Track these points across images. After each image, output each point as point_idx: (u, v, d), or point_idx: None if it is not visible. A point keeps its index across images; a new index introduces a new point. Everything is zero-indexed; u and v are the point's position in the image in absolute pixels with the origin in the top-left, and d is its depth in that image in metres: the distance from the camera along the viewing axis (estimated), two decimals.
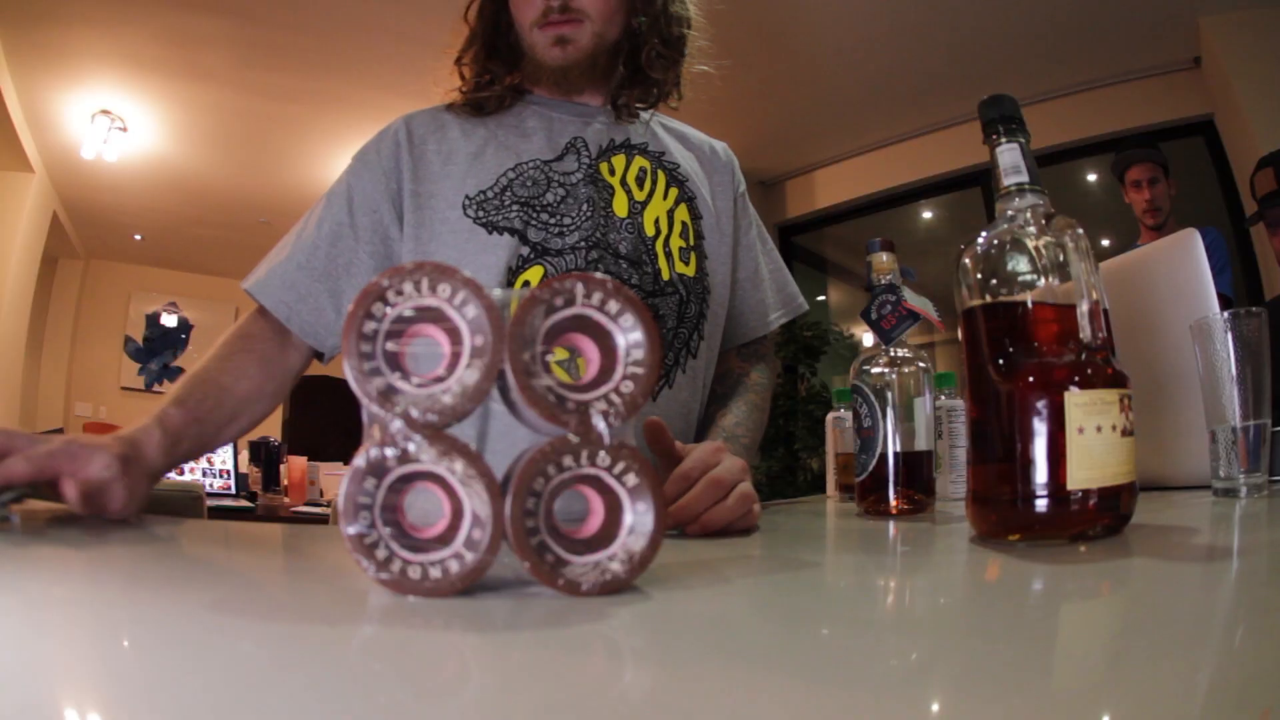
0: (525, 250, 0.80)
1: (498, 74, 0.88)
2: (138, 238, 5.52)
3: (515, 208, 0.81)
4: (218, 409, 0.77)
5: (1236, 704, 0.20)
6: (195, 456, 0.75)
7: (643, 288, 0.83)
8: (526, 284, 0.81)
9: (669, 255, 0.85)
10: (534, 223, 0.81)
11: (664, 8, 0.88)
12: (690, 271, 0.86)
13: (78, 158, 4.08)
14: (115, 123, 3.88)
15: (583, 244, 0.81)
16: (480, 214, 0.81)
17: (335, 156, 4.30)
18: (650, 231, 0.85)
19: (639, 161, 0.88)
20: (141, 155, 4.23)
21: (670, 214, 0.87)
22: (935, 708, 0.21)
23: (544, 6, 0.81)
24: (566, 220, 0.82)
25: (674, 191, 0.88)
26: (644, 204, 0.86)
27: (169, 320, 6.13)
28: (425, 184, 0.83)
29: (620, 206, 0.84)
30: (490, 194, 0.82)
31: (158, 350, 6.08)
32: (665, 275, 0.84)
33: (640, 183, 0.87)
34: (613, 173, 0.86)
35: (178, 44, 3.31)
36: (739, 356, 0.97)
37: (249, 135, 4.06)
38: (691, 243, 0.87)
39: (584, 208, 0.82)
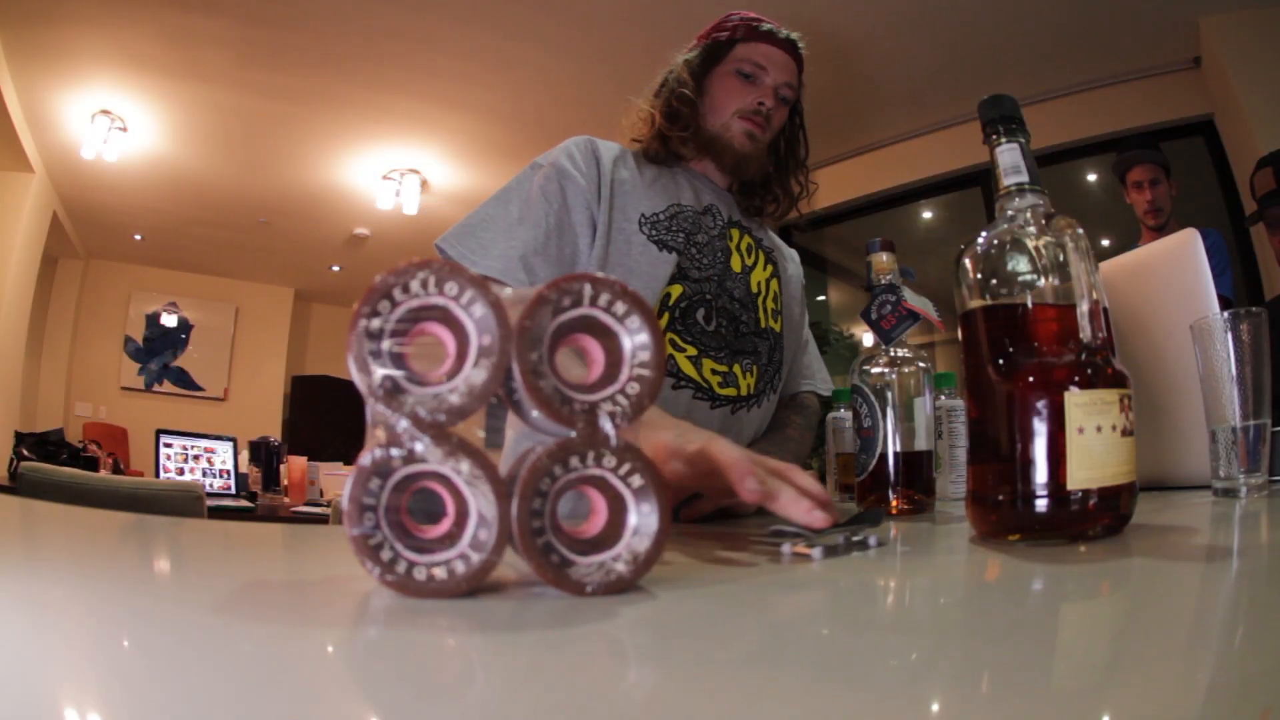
0: (677, 271, 0.96)
1: (670, 139, 1.04)
2: (138, 238, 5.52)
3: (681, 235, 0.98)
4: None
5: (1236, 704, 0.20)
6: None
7: (748, 325, 1.02)
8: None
9: (765, 310, 1.06)
10: (688, 252, 0.98)
11: (799, 149, 1.13)
12: (778, 327, 1.08)
13: (78, 158, 4.08)
14: (115, 123, 3.88)
15: (713, 278, 0.99)
16: (653, 232, 0.96)
17: (335, 156, 4.31)
18: (754, 289, 1.05)
19: (747, 239, 1.08)
20: (141, 155, 4.23)
21: (766, 283, 1.08)
22: (935, 708, 0.21)
23: (756, 107, 1.02)
24: (705, 260, 1.00)
25: (770, 269, 1.10)
26: (750, 269, 1.06)
27: (169, 320, 6.13)
28: (619, 198, 0.97)
29: (735, 264, 1.04)
30: (661, 217, 0.98)
31: (158, 350, 6.08)
32: (763, 324, 1.05)
33: (748, 253, 1.07)
34: (730, 239, 1.05)
35: (178, 44, 3.30)
36: (786, 408, 1.17)
37: (249, 135, 4.06)
38: (778, 306, 1.09)
39: (718, 254, 1.02)
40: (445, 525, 0.31)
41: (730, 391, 0.99)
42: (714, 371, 0.97)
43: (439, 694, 0.21)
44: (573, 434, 0.32)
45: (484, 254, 0.89)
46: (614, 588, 0.32)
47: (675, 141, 1.04)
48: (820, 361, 1.25)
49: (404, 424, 0.30)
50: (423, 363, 0.31)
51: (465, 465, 0.30)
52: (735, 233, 1.07)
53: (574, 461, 0.32)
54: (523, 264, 0.89)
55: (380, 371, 0.30)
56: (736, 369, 0.99)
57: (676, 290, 0.96)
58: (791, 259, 1.20)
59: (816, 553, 0.44)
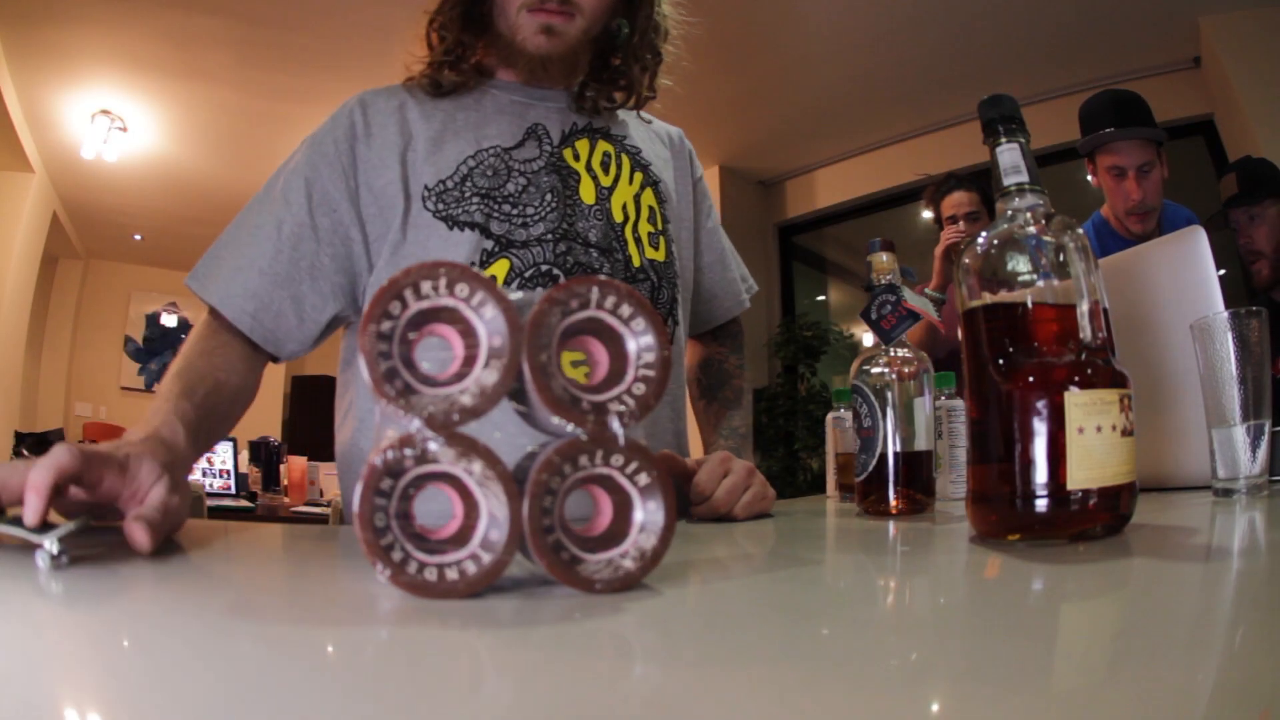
0: (489, 244, 0.78)
1: (470, 46, 0.84)
2: (138, 238, 5.51)
3: (475, 200, 0.78)
4: (220, 402, 0.72)
5: (1236, 704, 0.20)
6: (204, 452, 0.71)
7: (615, 274, 0.81)
8: (492, 278, 0.77)
9: (639, 241, 0.84)
10: (496, 215, 0.78)
11: (648, 15, 0.87)
12: (661, 256, 0.85)
13: (78, 158, 4.07)
14: (115, 123, 3.88)
15: (550, 235, 0.79)
16: (440, 207, 0.78)
17: None
18: (619, 217, 0.83)
19: (603, 146, 0.86)
20: (141, 155, 4.22)
21: (637, 199, 0.85)
22: (935, 708, 0.21)
23: None
24: (530, 210, 0.79)
25: (639, 176, 0.87)
26: (610, 189, 0.84)
27: (169, 320, 6.12)
28: (382, 174, 0.79)
29: (587, 193, 0.82)
30: (450, 184, 0.79)
31: (158, 350, 6.07)
32: (636, 262, 0.83)
33: (605, 168, 0.85)
34: (577, 158, 0.83)
35: (178, 44, 3.30)
36: (716, 340, 1.00)
37: (249, 135, 4.05)
38: (660, 227, 0.86)
39: (547, 197, 0.80)
40: (455, 526, 0.31)
41: None
42: (574, 364, 0.87)
43: (451, 692, 0.22)
44: (581, 433, 0.32)
45: (210, 281, 0.77)
46: (622, 584, 0.32)
47: (455, 64, 0.83)
48: (738, 262, 1.02)
49: (416, 424, 0.30)
50: (434, 364, 0.31)
51: (477, 466, 0.30)
52: (583, 145, 0.84)
53: (583, 460, 0.32)
54: (244, 290, 0.76)
55: (391, 373, 0.30)
56: None
57: (502, 268, 0.77)
58: (671, 144, 0.96)
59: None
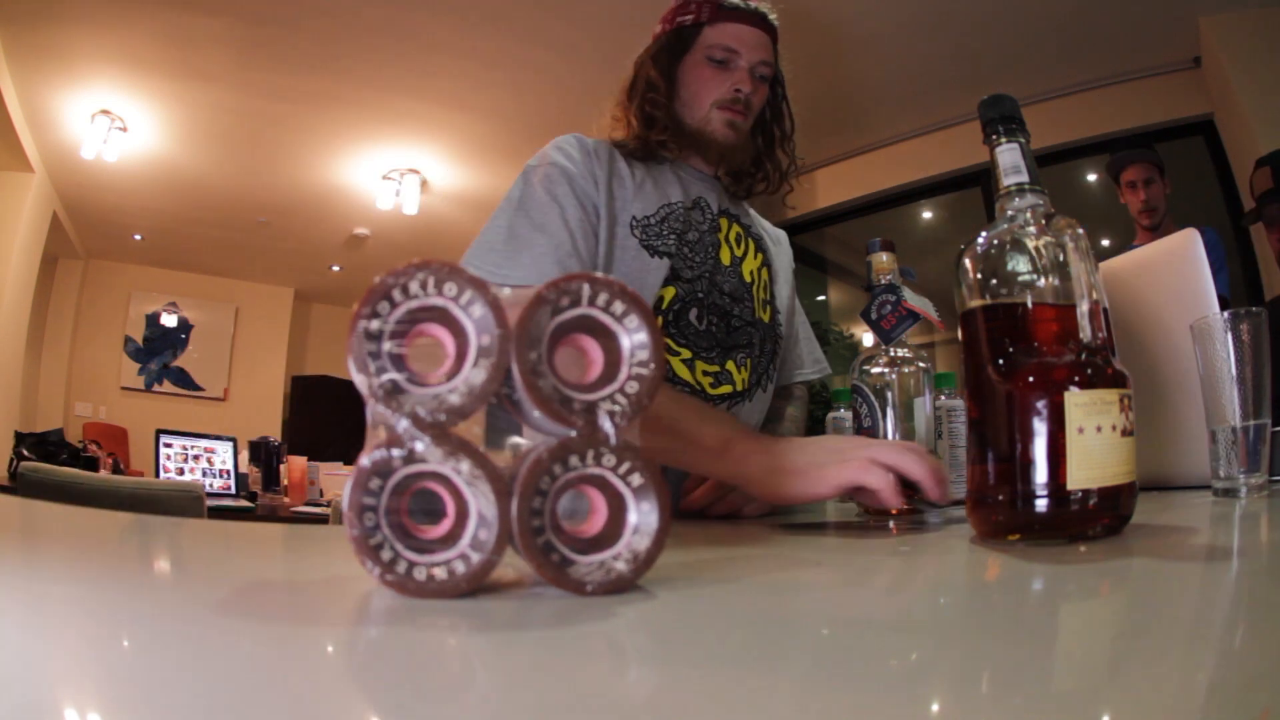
0: (670, 274, 0.95)
1: (669, 128, 1.01)
2: (138, 238, 5.52)
3: (672, 237, 0.96)
4: None
5: (1236, 704, 0.20)
6: None
7: (741, 318, 1.01)
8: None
9: (757, 302, 1.04)
10: (680, 253, 0.96)
11: (784, 125, 1.12)
12: (766, 319, 1.06)
13: (78, 158, 4.08)
14: (115, 123, 3.88)
15: (704, 276, 0.98)
16: (644, 236, 0.94)
17: (335, 156, 4.31)
18: (747, 280, 1.04)
19: (736, 228, 1.06)
20: (141, 155, 4.23)
21: (757, 272, 1.06)
22: (935, 708, 0.21)
23: (733, 95, 0.99)
24: (696, 258, 0.98)
25: (760, 257, 1.08)
26: (741, 259, 1.04)
27: (169, 320, 6.13)
28: (611, 200, 0.94)
29: (725, 257, 1.02)
30: (652, 220, 0.96)
31: (158, 350, 6.08)
32: (755, 314, 1.03)
33: (738, 243, 1.05)
34: (719, 230, 1.03)
35: (178, 44, 3.31)
36: (779, 397, 1.16)
37: (249, 135, 4.06)
38: (768, 297, 1.07)
39: (709, 250, 1.00)
40: (445, 525, 0.31)
41: (725, 389, 0.98)
42: (705, 373, 0.97)
43: (439, 694, 0.21)
44: (572, 433, 0.32)
45: (512, 266, 0.86)
46: (614, 587, 0.32)
47: (655, 144, 1.01)
48: (813, 343, 1.23)
49: (404, 424, 0.30)
50: (422, 363, 0.31)
51: (465, 465, 0.30)
52: (724, 223, 1.04)
53: (574, 460, 0.32)
54: (560, 270, 0.85)
55: (380, 372, 0.30)
56: (730, 365, 0.98)
57: (670, 293, 0.95)
58: (778, 241, 1.18)
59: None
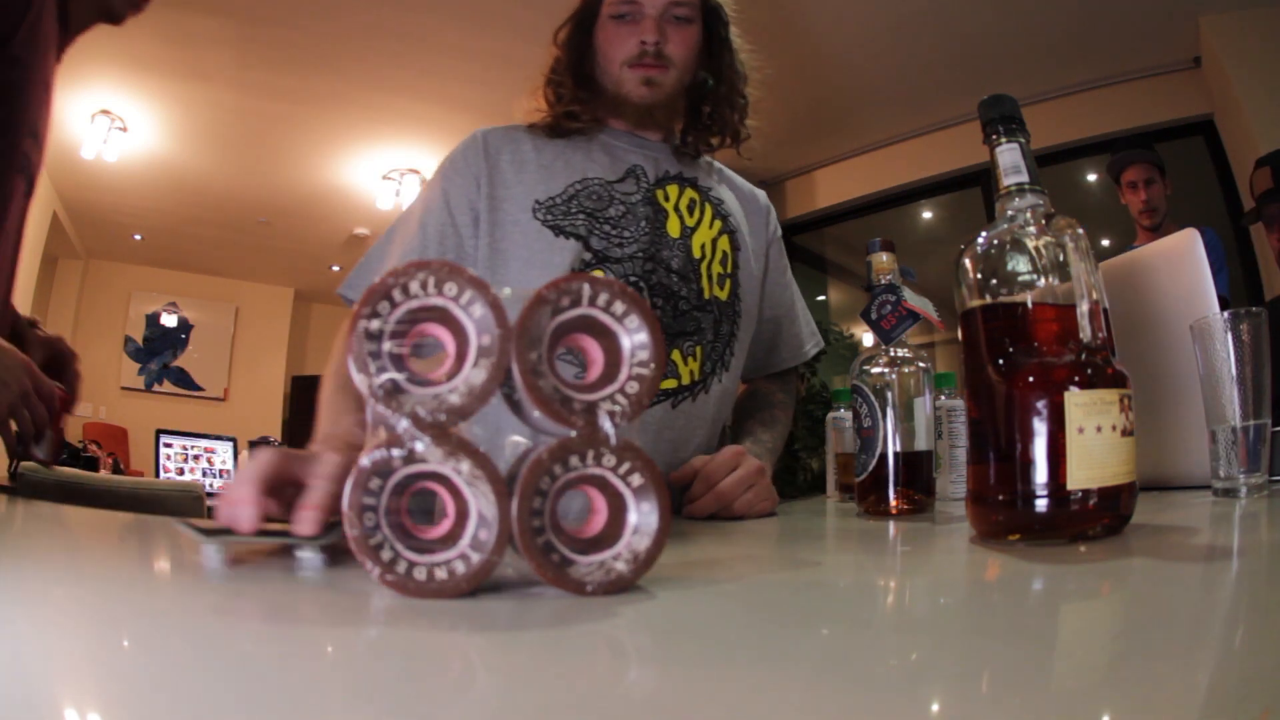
0: (588, 255, 0.88)
1: (584, 100, 0.95)
2: (138, 238, 5.51)
3: (581, 216, 0.89)
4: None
5: (1236, 704, 0.20)
6: None
7: (690, 300, 0.91)
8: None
9: (709, 278, 0.94)
10: (597, 232, 0.89)
11: (730, 64, 0.99)
12: (724, 296, 0.95)
13: (78, 158, 4.07)
14: (115, 123, 3.88)
15: (640, 255, 0.89)
16: (549, 218, 0.88)
17: (335, 156, 4.30)
18: (697, 254, 0.93)
19: (689, 193, 0.97)
20: (141, 155, 4.22)
21: (714, 242, 0.96)
22: (935, 708, 0.21)
23: (639, 50, 0.90)
24: (626, 233, 0.90)
25: (718, 223, 0.97)
26: (693, 229, 0.95)
27: (169, 320, 6.12)
28: (500, 189, 0.90)
29: (673, 228, 0.93)
30: (558, 200, 0.89)
31: (158, 350, 6.07)
32: (705, 294, 0.93)
33: (690, 210, 0.96)
34: (667, 199, 0.94)
35: (178, 44, 3.30)
36: (767, 379, 1.10)
37: (249, 135, 4.05)
38: (728, 271, 0.96)
39: (641, 224, 0.91)
40: (445, 525, 0.31)
41: (669, 384, 0.88)
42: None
43: (439, 694, 0.21)
44: (572, 433, 0.32)
45: (352, 281, 0.87)
46: (614, 587, 0.32)
47: (562, 118, 0.94)
48: (808, 322, 1.12)
49: (404, 424, 0.30)
50: (422, 363, 0.31)
51: (465, 465, 0.30)
52: (673, 189, 0.95)
53: (574, 461, 0.32)
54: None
55: (380, 372, 0.30)
56: (675, 355, 0.89)
57: (599, 274, 0.90)
58: (752, 201, 1.06)
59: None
